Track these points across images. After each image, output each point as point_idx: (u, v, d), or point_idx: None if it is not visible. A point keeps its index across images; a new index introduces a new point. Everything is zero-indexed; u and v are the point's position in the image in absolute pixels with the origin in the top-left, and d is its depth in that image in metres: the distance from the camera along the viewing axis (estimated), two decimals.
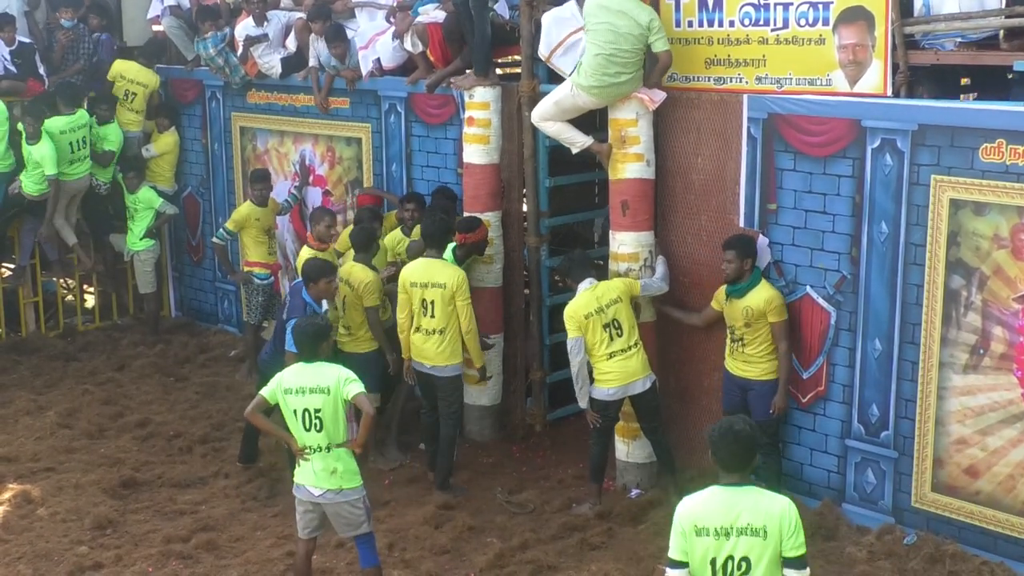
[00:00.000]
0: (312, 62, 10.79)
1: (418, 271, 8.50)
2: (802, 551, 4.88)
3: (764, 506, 4.88)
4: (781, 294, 7.84)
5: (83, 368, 11.45)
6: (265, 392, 6.79)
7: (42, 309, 12.41)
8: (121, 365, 11.50)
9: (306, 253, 9.14)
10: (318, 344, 6.82)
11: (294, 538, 7.90)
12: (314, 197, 11.21)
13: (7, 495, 8.64)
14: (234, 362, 11.45)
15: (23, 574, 7.58)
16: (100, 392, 10.75)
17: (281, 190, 11.33)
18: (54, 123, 11.37)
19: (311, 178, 11.17)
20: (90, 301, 13.21)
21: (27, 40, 12.08)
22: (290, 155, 11.41)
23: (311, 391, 6.63)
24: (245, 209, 10.65)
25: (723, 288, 7.98)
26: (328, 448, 6.67)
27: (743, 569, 4.84)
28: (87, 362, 11.62)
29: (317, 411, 6.62)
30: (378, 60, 10.26)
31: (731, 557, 4.83)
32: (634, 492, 8.41)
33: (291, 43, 11.17)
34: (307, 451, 6.69)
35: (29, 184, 11.38)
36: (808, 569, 4.92)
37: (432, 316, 8.39)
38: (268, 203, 10.68)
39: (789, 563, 4.86)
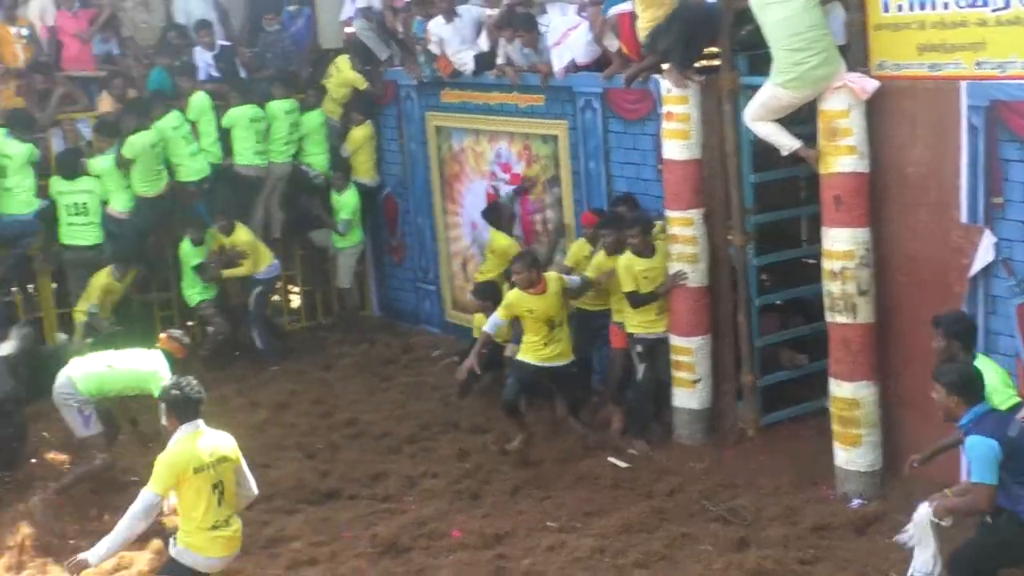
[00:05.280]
0: (500, 60, 10.82)
1: None
2: None
3: None
4: None
5: (291, 367, 11.73)
6: None
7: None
8: (328, 365, 11.74)
9: (512, 294, 9.02)
10: None
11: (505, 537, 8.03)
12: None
13: None
14: (437, 363, 11.62)
15: (243, 569, 7.72)
16: (309, 391, 11.00)
17: (478, 189, 11.40)
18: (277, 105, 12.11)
19: (510, 177, 11.14)
20: (295, 301, 13.58)
21: (227, 43, 12.52)
22: (486, 154, 11.44)
23: None
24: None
25: None
26: None
27: None
28: (295, 361, 11.90)
29: None
30: (572, 60, 10.18)
31: None
32: (855, 502, 8.12)
33: (483, 42, 11.21)
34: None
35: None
36: None
37: None
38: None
39: None
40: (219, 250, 11.73)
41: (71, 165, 11.28)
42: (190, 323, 12.40)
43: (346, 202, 12.28)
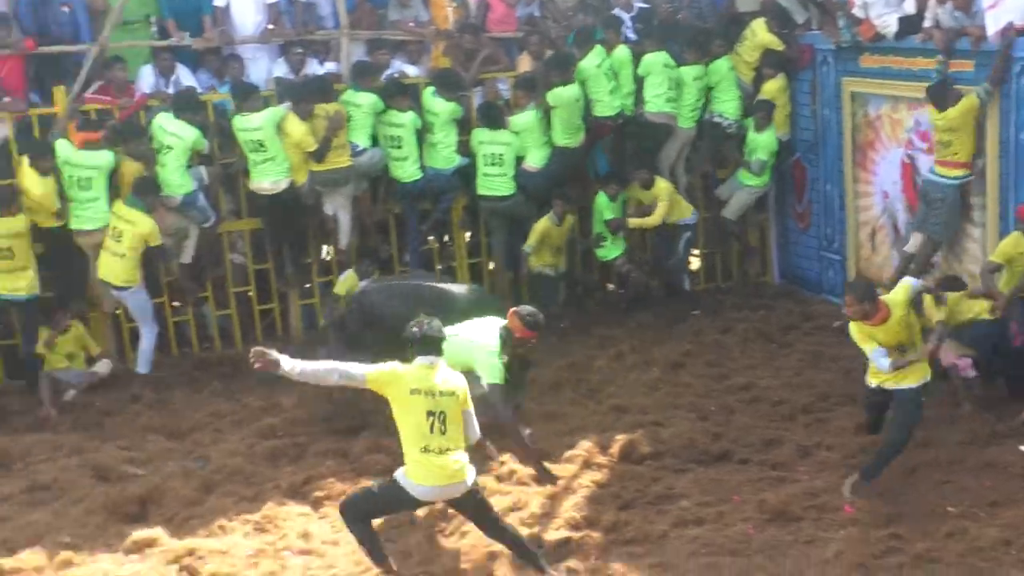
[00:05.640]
0: (928, 23, 10.30)
1: None
2: None
3: None
4: None
5: (688, 328, 11.75)
6: None
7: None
8: (726, 328, 11.66)
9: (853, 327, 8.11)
10: None
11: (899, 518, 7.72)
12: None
13: (616, 446, 8.97)
14: (838, 333, 11.27)
15: (631, 521, 7.86)
16: (704, 353, 11.00)
17: (893, 158, 10.96)
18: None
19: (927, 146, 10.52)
20: (695, 263, 13.62)
21: (645, 5, 12.67)
22: (904, 122, 10.97)
23: None
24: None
25: None
26: None
27: None
28: (693, 322, 11.93)
29: None
30: (1010, 23, 9.55)
31: None
32: None
33: (910, 4, 10.74)
34: None
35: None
36: None
37: None
38: None
39: None
40: (635, 204, 12.01)
41: (494, 116, 11.79)
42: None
43: (764, 142, 12.17)
